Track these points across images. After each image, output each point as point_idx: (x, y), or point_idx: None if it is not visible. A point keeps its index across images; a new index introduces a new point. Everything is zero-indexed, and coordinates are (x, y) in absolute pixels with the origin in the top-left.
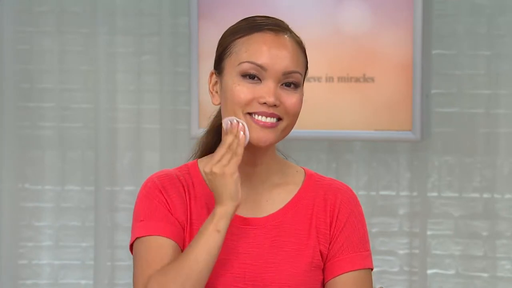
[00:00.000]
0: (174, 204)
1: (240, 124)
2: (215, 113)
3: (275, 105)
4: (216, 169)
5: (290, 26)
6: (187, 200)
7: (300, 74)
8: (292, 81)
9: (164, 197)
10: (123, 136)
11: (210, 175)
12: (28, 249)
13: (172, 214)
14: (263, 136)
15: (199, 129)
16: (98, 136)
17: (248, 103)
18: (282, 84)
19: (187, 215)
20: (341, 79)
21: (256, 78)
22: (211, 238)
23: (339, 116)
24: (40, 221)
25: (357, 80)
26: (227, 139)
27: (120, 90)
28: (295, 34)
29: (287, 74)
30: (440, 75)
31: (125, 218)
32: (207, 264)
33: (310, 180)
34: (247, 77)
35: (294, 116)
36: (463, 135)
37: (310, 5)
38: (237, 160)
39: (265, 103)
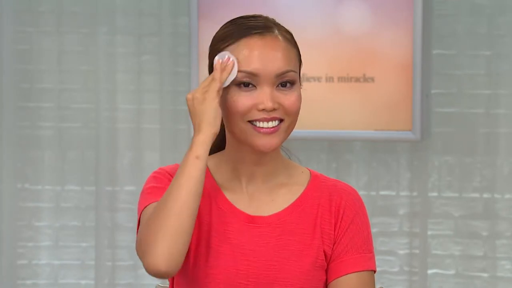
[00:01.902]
0: None
1: (231, 59)
2: None
3: (274, 109)
4: (197, 94)
5: (283, 24)
6: None
7: (294, 71)
8: (287, 80)
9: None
10: (123, 136)
11: (190, 101)
12: (27, 249)
13: None
14: (267, 143)
15: None
16: (98, 136)
17: (248, 111)
18: (277, 86)
19: None
20: (341, 79)
21: (251, 85)
22: (191, 164)
23: (339, 116)
24: (40, 221)
25: (357, 80)
26: (214, 73)
27: (120, 90)
28: (284, 29)
29: (280, 75)
30: (440, 75)
31: (125, 218)
32: (190, 190)
33: (315, 181)
34: (242, 85)
35: (295, 114)
36: (463, 135)
37: (310, 5)
38: (216, 85)
39: (263, 109)
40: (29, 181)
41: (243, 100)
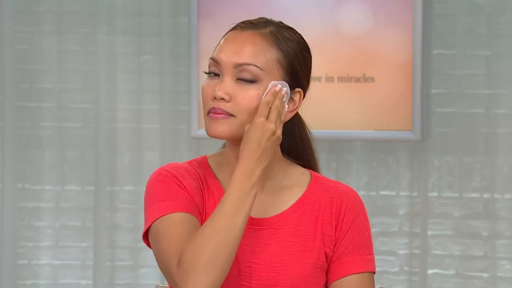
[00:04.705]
0: (191, 189)
1: (284, 90)
2: None
3: (223, 99)
4: (279, 133)
5: (291, 26)
6: (202, 189)
7: (258, 67)
8: (247, 74)
9: (180, 182)
10: (123, 136)
11: (272, 135)
12: (27, 249)
13: (190, 196)
14: (216, 128)
15: (199, 129)
16: (98, 136)
17: (209, 99)
18: (239, 79)
19: (203, 203)
20: (341, 79)
21: (218, 75)
22: (249, 199)
23: (339, 116)
24: (40, 221)
25: (357, 80)
26: (277, 103)
27: (120, 90)
28: (286, 35)
29: (238, 67)
30: (440, 75)
31: (125, 218)
32: (243, 228)
33: (316, 182)
34: (210, 74)
35: (247, 111)
36: (463, 135)
37: (310, 5)
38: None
39: (215, 97)
40: (29, 181)
41: (206, 88)
